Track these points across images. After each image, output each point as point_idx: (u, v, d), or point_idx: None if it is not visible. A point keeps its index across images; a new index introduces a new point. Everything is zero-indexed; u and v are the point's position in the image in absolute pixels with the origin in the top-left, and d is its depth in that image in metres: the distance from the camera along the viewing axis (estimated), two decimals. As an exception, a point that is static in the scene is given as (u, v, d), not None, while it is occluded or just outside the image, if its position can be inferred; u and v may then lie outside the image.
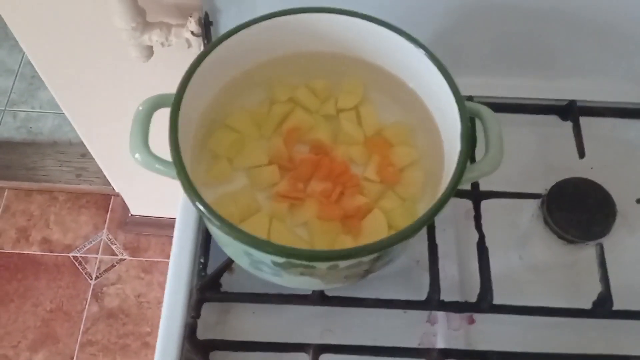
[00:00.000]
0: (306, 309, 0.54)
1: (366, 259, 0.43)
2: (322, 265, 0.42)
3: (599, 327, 0.54)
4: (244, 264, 0.48)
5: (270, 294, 0.53)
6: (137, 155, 0.45)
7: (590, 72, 0.65)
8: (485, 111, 0.48)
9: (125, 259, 1.41)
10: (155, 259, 1.40)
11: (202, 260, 0.54)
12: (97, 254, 1.42)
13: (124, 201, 1.39)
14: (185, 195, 0.42)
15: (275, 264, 0.43)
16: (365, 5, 0.52)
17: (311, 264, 0.42)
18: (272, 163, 0.51)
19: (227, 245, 0.47)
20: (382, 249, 0.41)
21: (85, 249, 1.42)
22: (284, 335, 0.53)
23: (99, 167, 1.20)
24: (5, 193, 1.49)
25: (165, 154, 0.44)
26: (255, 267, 0.47)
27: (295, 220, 0.49)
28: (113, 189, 1.33)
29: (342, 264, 0.42)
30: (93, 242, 1.43)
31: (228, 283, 0.55)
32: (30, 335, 1.34)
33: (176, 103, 0.44)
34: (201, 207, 0.40)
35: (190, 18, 0.67)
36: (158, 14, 0.72)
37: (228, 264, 0.54)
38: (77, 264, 1.40)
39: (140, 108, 0.47)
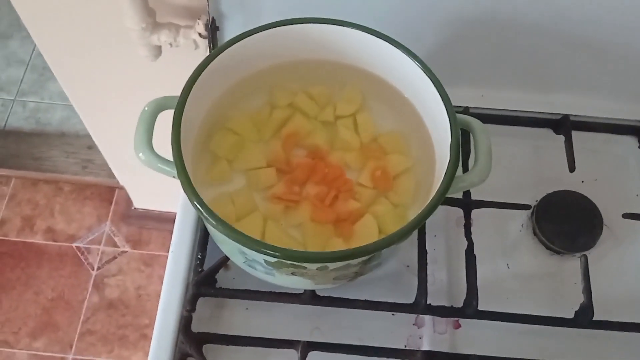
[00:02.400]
0: (297, 307, 0.56)
1: (354, 261, 0.44)
2: (311, 266, 0.44)
3: (580, 336, 0.56)
4: (239, 262, 0.50)
5: (264, 291, 0.55)
6: (140, 155, 0.47)
7: (585, 88, 0.66)
8: (476, 124, 0.50)
9: (127, 251, 1.43)
10: (156, 253, 1.43)
11: (199, 257, 0.56)
12: (100, 245, 1.44)
13: (127, 194, 1.42)
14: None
15: (268, 263, 0.45)
16: (367, 17, 0.54)
17: (301, 264, 0.43)
18: (270, 166, 0.52)
19: (223, 243, 0.49)
20: (369, 253, 0.43)
21: (88, 239, 1.44)
22: (275, 332, 0.55)
23: (105, 160, 1.22)
24: (12, 182, 1.52)
25: (168, 152, 0.46)
26: (249, 265, 0.49)
27: (290, 222, 0.51)
28: (118, 181, 1.35)
29: (331, 265, 0.44)
30: (96, 234, 1.45)
31: (223, 279, 0.57)
32: (30, 322, 1.36)
33: (180, 106, 0.46)
34: (199, 207, 0.42)
35: (198, 20, 0.69)
36: (167, 15, 0.74)
37: (224, 261, 0.56)
38: (79, 254, 1.43)
39: (146, 109, 0.49)
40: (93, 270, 1.41)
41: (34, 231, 1.46)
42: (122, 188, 1.45)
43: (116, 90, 0.95)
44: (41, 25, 0.83)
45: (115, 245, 1.44)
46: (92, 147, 1.45)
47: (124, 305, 1.37)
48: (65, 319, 1.36)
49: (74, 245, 1.44)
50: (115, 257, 1.43)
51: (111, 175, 1.32)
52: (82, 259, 1.42)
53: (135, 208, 1.46)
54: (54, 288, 1.40)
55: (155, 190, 1.32)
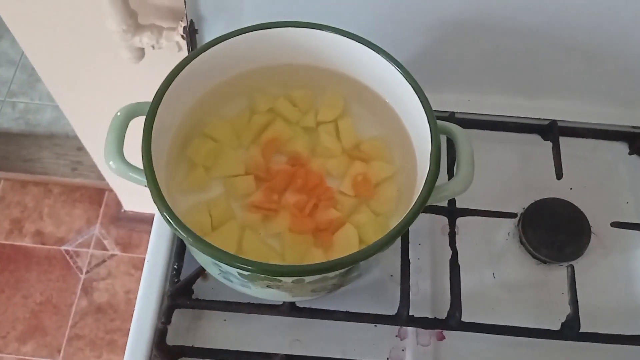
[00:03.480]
0: (277, 319, 0.54)
1: (331, 274, 0.43)
2: (287, 280, 0.43)
3: (566, 348, 0.54)
4: (214, 274, 0.49)
5: (242, 302, 0.53)
6: (111, 163, 0.46)
7: (573, 92, 0.65)
8: (457, 131, 0.48)
9: (116, 255, 1.42)
10: (146, 256, 1.41)
11: (175, 266, 0.55)
12: (89, 248, 1.42)
13: (117, 197, 1.40)
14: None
15: (242, 275, 0.43)
16: (350, 20, 0.53)
17: (276, 277, 0.42)
18: (249, 173, 0.51)
19: (197, 254, 0.48)
20: (345, 266, 0.41)
21: (77, 242, 1.43)
22: (254, 344, 0.53)
23: (94, 162, 1.21)
24: (1, 184, 1.50)
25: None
26: (224, 277, 0.47)
27: (268, 231, 0.49)
28: (107, 184, 1.34)
29: (308, 278, 0.43)
30: (85, 237, 1.44)
31: (200, 290, 0.56)
32: (19, 326, 1.35)
33: (151, 113, 0.45)
34: (168, 218, 0.41)
35: (180, 22, 0.68)
36: (150, 17, 0.72)
37: (201, 271, 0.55)
38: (68, 258, 1.41)
39: (118, 114, 0.47)
40: (82, 273, 1.40)
41: (23, 234, 1.44)
42: (111, 190, 1.43)
43: (102, 93, 0.93)
44: (25, 28, 0.81)
45: (104, 248, 1.42)
46: (81, 148, 1.43)
47: (112, 309, 1.36)
48: (53, 323, 1.35)
49: (62, 248, 1.42)
50: (104, 261, 1.41)
51: (101, 177, 1.30)
52: (71, 263, 1.41)
53: (125, 210, 1.44)
54: (43, 292, 1.38)
55: (145, 192, 1.30)
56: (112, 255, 1.42)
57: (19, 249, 1.42)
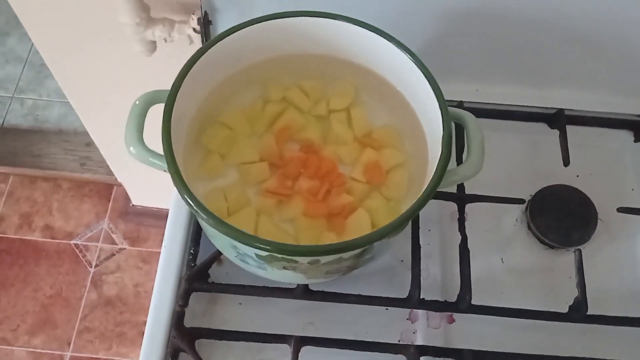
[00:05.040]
0: (291, 302, 0.55)
1: (346, 255, 0.44)
2: (303, 260, 0.44)
3: (574, 330, 0.56)
4: (231, 257, 0.50)
5: (257, 286, 0.55)
6: (131, 149, 0.47)
7: (580, 82, 0.66)
8: (469, 117, 0.50)
9: (125, 249, 1.43)
10: (154, 250, 1.43)
11: (192, 251, 0.56)
12: (98, 242, 1.44)
13: (126, 191, 1.41)
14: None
15: (259, 257, 0.45)
16: (360, 10, 0.54)
17: (293, 258, 0.43)
18: (263, 160, 0.52)
19: (215, 237, 0.49)
20: (360, 246, 0.43)
21: (86, 237, 1.44)
22: (268, 327, 0.55)
23: (103, 157, 1.22)
24: (10, 179, 1.52)
25: (160, 147, 0.46)
26: (241, 259, 0.49)
27: (283, 216, 0.50)
28: (116, 179, 1.35)
29: (323, 259, 0.44)
30: (94, 231, 1.45)
31: (216, 274, 0.57)
32: (29, 319, 1.36)
33: (170, 100, 0.46)
34: (189, 200, 0.42)
35: (192, 15, 0.69)
36: (162, 10, 0.74)
37: (217, 256, 0.56)
38: (77, 252, 1.43)
39: (137, 102, 0.49)
40: (91, 267, 1.41)
41: (32, 228, 1.46)
42: (120, 185, 1.44)
43: (113, 87, 0.94)
44: (37, 22, 0.82)
45: (113, 242, 1.44)
46: (90, 144, 1.45)
47: (122, 302, 1.37)
48: (63, 316, 1.36)
49: (72, 242, 1.44)
50: (113, 254, 1.43)
51: (109, 172, 1.32)
52: (80, 257, 1.42)
53: (133, 205, 1.45)
54: (52, 285, 1.40)
55: (153, 187, 1.32)
56: (121, 249, 1.43)
57: (28, 243, 1.44)
